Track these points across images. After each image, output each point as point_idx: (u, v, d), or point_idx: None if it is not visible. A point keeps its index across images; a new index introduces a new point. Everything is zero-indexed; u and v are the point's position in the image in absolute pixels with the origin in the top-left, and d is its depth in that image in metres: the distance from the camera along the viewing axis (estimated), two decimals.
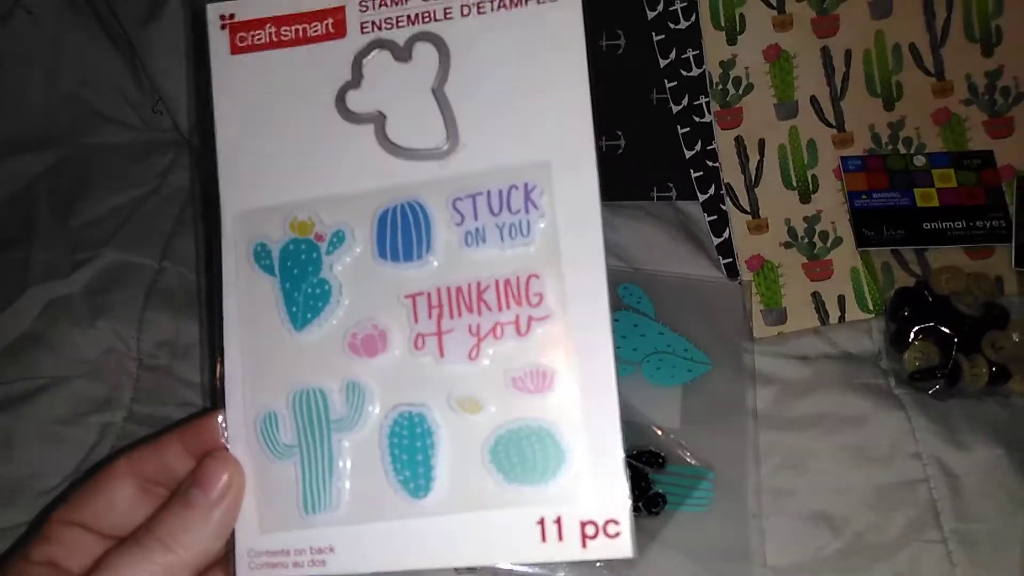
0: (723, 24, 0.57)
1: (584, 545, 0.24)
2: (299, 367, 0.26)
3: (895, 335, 0.52)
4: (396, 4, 0.27)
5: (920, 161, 0.56)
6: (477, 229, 0.26)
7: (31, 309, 0.53)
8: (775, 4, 0.57)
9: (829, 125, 0.57)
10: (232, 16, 0.27)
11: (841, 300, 0.55)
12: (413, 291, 0.26)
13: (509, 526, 0.25)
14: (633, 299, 0.55)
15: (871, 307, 0.54)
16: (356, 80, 0.27)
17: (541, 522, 0.24)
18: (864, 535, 0.46)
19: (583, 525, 0.24)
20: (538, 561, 0.26)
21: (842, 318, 0.54)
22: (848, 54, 0.57)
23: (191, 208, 0.59)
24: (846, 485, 0.47)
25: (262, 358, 0.26)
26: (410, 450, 0.25)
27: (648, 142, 0.60)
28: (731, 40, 0.57)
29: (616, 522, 0.24)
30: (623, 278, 0.56)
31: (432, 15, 0.27)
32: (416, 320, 0.26)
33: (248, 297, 0.26)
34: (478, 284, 0.25)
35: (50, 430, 0.49)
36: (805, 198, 0.57)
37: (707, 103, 0.57)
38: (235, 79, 0.28)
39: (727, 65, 0.57)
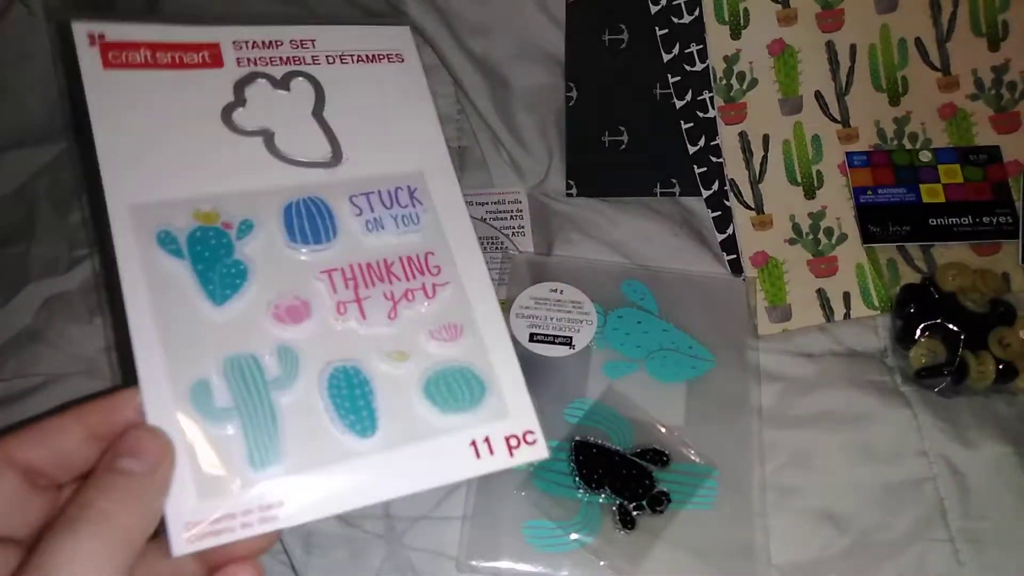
0: (727, 19, 0.56)
1: (511, 455, 0.29)
2: (225, 338, 0.27)
3: (901, 332, 0.51)
4: (268, 47, 0.30)
5: (926, 156, 0.56)
6: (375, 219, 0.30)
7: (30, 306, 0.53)
8: None
9: (834, 120, 0.57)
10: (102, 36, 0.29)
11: (846, 297, 0.54)
12: (327, 267, 0.29)
13: (447, 451, 0.28)
14: (637, 296, 0.54)
15: (877, 304, 0.54)
16: (240, 101, 0.29)
17: (473, 443, 0.28)
18: (870, 533, 0.45)
19: (507, 439, 0.29)
20: (474, 474, 0.27)
21: (847, 315, 0.54)
22: (853, 49, 0.56)
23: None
24: (852, 483, 0.47)
25: (182, 333, 0.27)
26: (351, 398, 0.28)
27: (651, 138, 0.59)
28: (735, 35, 0.56)
29: (531, 432, 0.29)
30: (627, 274, 0.55)
31: (302, 60, 0.31)
32: (335, 291, 0.29)
33: (156, 279, 0.27)
34: (385, 260, 0.30)
35: None
36: (810, 194, 0.56)
37: (711, 98, 0.57)
38: (110, 92, 0.28)
39: (731, 60, 0.56)
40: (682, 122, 0.58)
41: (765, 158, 0.57)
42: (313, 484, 0.26)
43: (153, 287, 0.27)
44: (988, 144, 0.56)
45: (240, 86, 0.30)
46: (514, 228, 0.58)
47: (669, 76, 0.58)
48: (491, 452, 0.28)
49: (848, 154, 0.56)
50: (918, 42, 0.56)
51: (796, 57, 0.56)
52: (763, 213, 0.56)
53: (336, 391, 0.28)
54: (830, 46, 0.56)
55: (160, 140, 0.28)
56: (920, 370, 0.50)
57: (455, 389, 0.29)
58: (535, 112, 0.60)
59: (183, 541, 0.24)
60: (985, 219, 0.54)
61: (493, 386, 0.29)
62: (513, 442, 0.29)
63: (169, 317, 0.27)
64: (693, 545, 0.45)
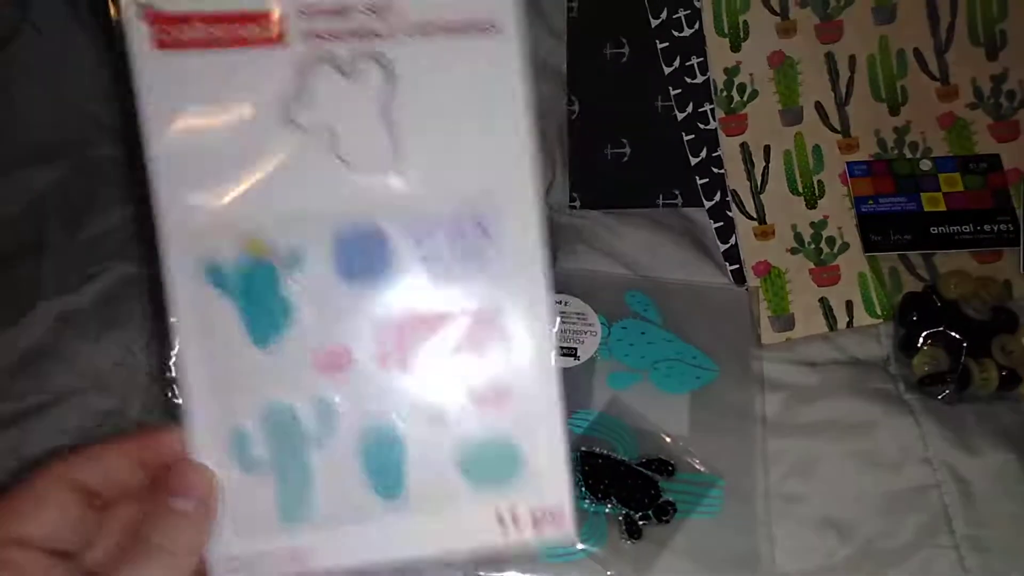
0: (727, 31, 0.57)
1: (536, 532, 0.27)
2: (265, 383, 0.27)
3: (904, 340, 0.52)
4: (337, 15, 0.26)
5: (926, 165, 0.56)
6: (435, 255, 0.27)
7: (42, 323, 0.53)
8: (779, 10, 0.57)
9: (834, 130, 0.57)
10: (150, 7, 0.25)
11: (849, 305, 0.55)
12: (375, 311, 0.27)
13: (473, 519, 0.27)
14: (640, 307, 0.55)
15: (879, 312, 0.54)
16: (301, 93, 0.26)
17: (500, 516, 0.27)
18: (874, 541, 0.45)
19: (534, 514, 0.27)
20: (498, 546, 0.28)
21: (850, 323, 0.54)
22: (852, 59, 0.57)
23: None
24: (856, 491, 0.47)
25: (226, 375, 0.26)
26: (381, 458, 0.27)
27: (653, 149, 0.60)
28: (735, 47, 0.57)
29: (562, 511, 0.28)
30: (630, 285, 0.56)
31: (376, 33, 0.26)
32: (379, 339, 0.27)
33: (203, 314, 0.26)
34: (436, 309, 0.27)
35: (61, 443, 0.49)
36: (811, 204, 0.57)
37: (712, 110, 0.58)
38: (162, 78, 0.25)
39: (731, 72, 0.57)
40: (684, 134, 0.58)
41: (766, 168, 0.57)
42: (341, 538, 0.27)
43: (201, 323, 0.26)
44: (988, 152, 0.56)
45: (303, 73, 0.26)
46: None
47: (670, 88, 0.58)
48: (516, 526, 0.27)
49: (849, 164, 0.56)
50: (917, 52, 0.57)
51: (796, 68, 0.57)
52: (765, 223, 0.57)
53: (368, 450, 0.27)
54: (830, 57, 0.57)
55: (213, 142, 0.26)
56: (923, 378, 0.50)
57: (490, 460, 0.27)
58: (538, 125, 0.61)
59: (224, 572, 0.26)
60: (986, 227, 0.54)
61: (530, 460, 0.27)
62: (539, 515, 0.28)
63: (215, 357, 0.26)
64: (699, 554, 0.45)
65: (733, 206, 0.57)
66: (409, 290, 0.27)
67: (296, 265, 0.26)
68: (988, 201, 0.55)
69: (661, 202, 0.60)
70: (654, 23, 0.58)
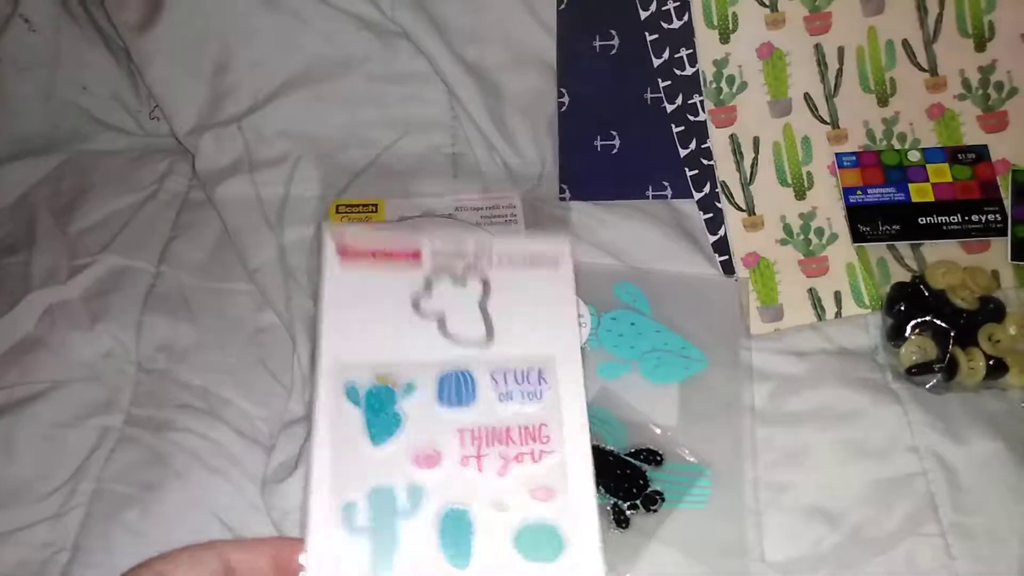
0: (716, 23, 0.57)
1: None
2: (375, 470, 0.35)
3: (891, 330, 0.52)
4: (455, 256, 0.37)
5: (915, 156, 0.56)
6: (508, 392, 0.36)
7: (31, 314, 0.54)
8: (767, 2, 0.57)
9: (823, 122, 0.57)
10: (342, 238, 0.37)
11: (837, 296, 0.55)
12: (461, 427, 0.35)
13: None
14: (630, 298, 0.55)
15: (868, 302, 0.54)
16: (427, 291, 0.36)
17: None
18: (862, 529, 0.46)
19: None
20: None
21: (839, 313, 0.55)
22: (841, 51, 0.57)
23: (187, 211, 0.60)
24: (843, 479, 0.47)
25: (346, 464, 0.34)
26: (455, 535, 0.34)
27: (643, 141, 0.60)
28: (724, 39, 0.57)
29: None
30: (620, 277, 0.56)
31: (479, 263, 0.37)
32: (462, 446, 0.35)
33: (338, 421, 0.35)
34: (507, 427, 0.35)
35: (51, 433, 0.49)
36: (800, 195, 0.57)
37: (701, 102, 0.58)
38: (341, 282, 0.37)
39: (720, 64, 0.57)
40: (673, 126, 0.58)
41: (756, 160, 0.57)
42: None
43: (334, 425, 0.35)
44: (976, 143, 0.56)
45: (429, 280, 0.37)
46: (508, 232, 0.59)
47: (659, 80, 0.58)
48: None
49: (837, 155, 0.56)
50: (905, 44, 0.57)
51: (785, 60, 0.57)
52: (754, 214, 0.57)
53: (445, 527, 0.34)
54: (818, 49, 0.57)
55: (365, 317, 0.37)
56: (911, 367, 0.50)
57: (540, 543, 0.34)
58: (528, 117, 0.61)
59: None
60: (974, 217, 0.54)
61: (571, 544, 0.34)
62: None
63: (340, 449, 0.35)
64: (687, 543, 0.45)
65: (722, 197, 0.57)
66: (488, 414, 0.35)
67: (409, 392, 0.35)
68: (976, 191, 0.55)
69: (651, 193, 0.60)
70: (643, 15, 0.58)
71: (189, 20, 0.59)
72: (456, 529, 0.35)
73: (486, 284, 0.38)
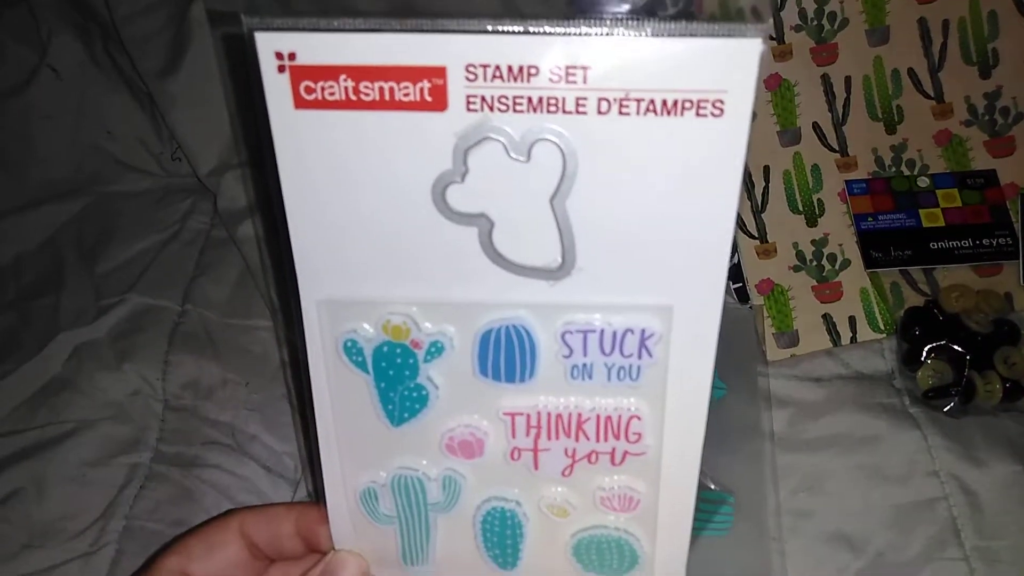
0: None
1: None
2: (397, 455, 0.27)
3: (907, 354, 0.52)
4: (515, 80, 0.21)
5: (924, 182, 0.57)
6: (584, 365, 0.24)
7: (60, 354, 0.55)
8: (774, 35, 0.58)
9: (832, 150, 0.58)
10: (293, 56, 0.22)
11: (852, 321, 0.55)
12: (512, 409, 0.25)
13: None
14: None
15: (882, 327, 0.55)
16: (459, 173, 0.22)
17: None
18: (885, 554, 0.46)
19: None
20: None
21: (854, 339, 0.55)
22: (848, 80, 0.58)
23: (210, 250, 0.61)
24: (864, 505, 0.47)
25: (359, 445, 0.27)
26: (500, 535, 0.27)
27: None
28: None
29: None
30: None
31: (560, 104, 0.21)
32: (513, 436, 0.26)
33: (339, 388, 0.26)
34: (579, 415, 0.25)
35: (80, 472, 0.50)
36: (812, 222, 0.58)
37: None
38: (302, 141, 0.22)
39: None
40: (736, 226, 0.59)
41: (767, 188, 0.58)
42: None
43: (336, 395, 0.26)
44: (984, 168, 0.57)
45: (464, 148, 0.22)
46: None
47: None
48: None
49: (847, 182, 0.57)
50: (911, 72, 0.58)
51: (793, 90, 0.58)
52: (767, 242, 0.58)
53: (488, 527, 0.27)
54: (825, 79, 0.58)
55: (359, 218, 0.23)
56: (928, 391, 0.51)
57: (605, 556, 0.27)
58: None
59: None
60: (985, 241, 0.55)
61: (648, 560, 0.27)
62: None
63: (348, 428, 0.26)
64: (711, 572, 0.46)
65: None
66: (550, 395, 0.25)
67: (437, 355, 0.25)
68: (986, 216, 0.56)
69: None
70: None
71: (210, 65, 0.61)
72: (502, 530, 0.27)
73: (569, 155, 0.22)
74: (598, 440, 0.25)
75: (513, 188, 0.22)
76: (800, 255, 0.57)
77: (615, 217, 0.22)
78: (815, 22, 0.58)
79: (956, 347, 0.51)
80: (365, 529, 0.28)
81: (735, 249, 0.58)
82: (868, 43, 0.58)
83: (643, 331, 0.23)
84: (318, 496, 0.29)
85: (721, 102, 0.21)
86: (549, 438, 0.25)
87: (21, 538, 0.47)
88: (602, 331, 0.23)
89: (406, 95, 0.22)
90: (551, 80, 0.21)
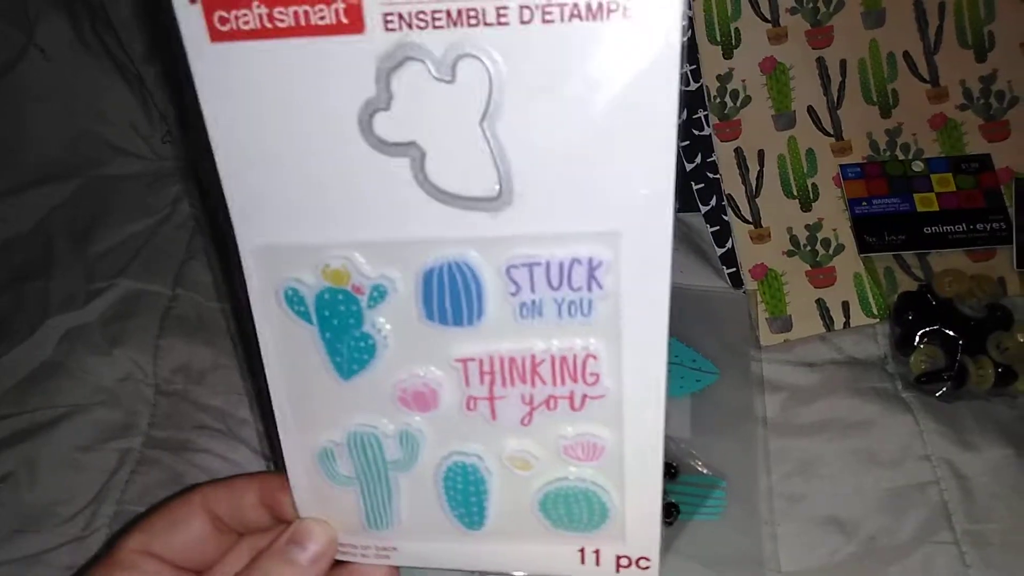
0: (719, 38, 0.58)
1: (617, 571, 0.27)
2: (350, 411, 0.26)
3: (900, 339, 0.52)
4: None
5: (919, 166, 0.57)
6: (533, 302, 0.23)
7: (51, 339, 0.54)
8: (770, 17, 0.58)
9: (827, 134, 0.58)
10: None
11: (845, 306, 0.55)
12: (463, 356, 0.25)
13: (553, 553, 0.27)
14: None
15: (875, 312, 0.55)
16: (384, 99, 0.21)
17: (581, 551, 0.27)
18: (877, 538, 0.46)
19: (618, 558, 0.27)
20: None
21: (847, 324, 0.55)
22: (843, 64, 0.58)
23: (200, 236, 0.60)
24: (857, 489, 0.48)
25: (310, 401, 0.26)
26: (464, 492, 0.27)
27: None
28: (727, 54, 0.58)
29: (647, 559, 0.27)
30: None
31: (480, 15, 0.20)
32: (467, 384, 0.25)
33: (285, 342, 0.25)
34: (532, 357, 0.24)
35: (72, 457, 0.50)
36: (806, 206, 0.57)
37: (706, 116, 0.58)
38: (223, 77, 0.22)
39: (724, 78, 0.58)
40: (678, 140, 0.59)
41: (761, 173, 0.58)
42: (423, 547, 0.28)
43: (283, 349, 0.25)
44: (979, 152, 0.57)
45: (386, 73, 0.21)
46: None
47: None
48: (597, 564, 0.27)
49: (842, 166, 0.57)
50: (906, 55, 0.58)
51: (788, 74, 0.58)
52: (761, 226, 0.57)
53: (451, 483, 0.27)
54: (821, 62, 0.58)
55: (285, 152, 0.22)
56: (920, 376, 0.51)
57: (573, 509, 0.26)
58: None
59: None
60: (979, 226, 0.55)
61: (618, 513, 0.26)
62: (624, 562, 0.27)
63: (299, 383, 0.26)
64: (703, 555, 0.46)
65: (729, 210, 0.58)
66: (502, 337, 0.24)
67: (380, 299, 0.24)
68: (980, 200, 0.56)
69: None
70: None
71: None
72: (464, 487, 0.26)
73: (496, 72, 0.21)
74: (555, 384, 0.24)
75: (441, 112, 0.21)
76: (794, 240, 0.57)
77: (550, 137, 0.21)
78: (811, 5, 0.57)
79: (949, 332, 0.51)
80: (326, 493, 0.27)
81: (728, 233, 0.58)
82: (864, 26, 0.57)
83: (590, 260, 0.22)
84: (277, 464, 0.28)
85: (640, 7, 0.20)
86: (504, 385, 0.24)
87: (12, 523, 0.47)
88: (548, 263, 0.22)
89: (321, 18, 0.21)
90: None
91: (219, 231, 0.24)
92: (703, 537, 0.46)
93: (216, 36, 0.21)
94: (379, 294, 0.24)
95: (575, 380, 0.24)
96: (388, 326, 0.24)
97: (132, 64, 0.61)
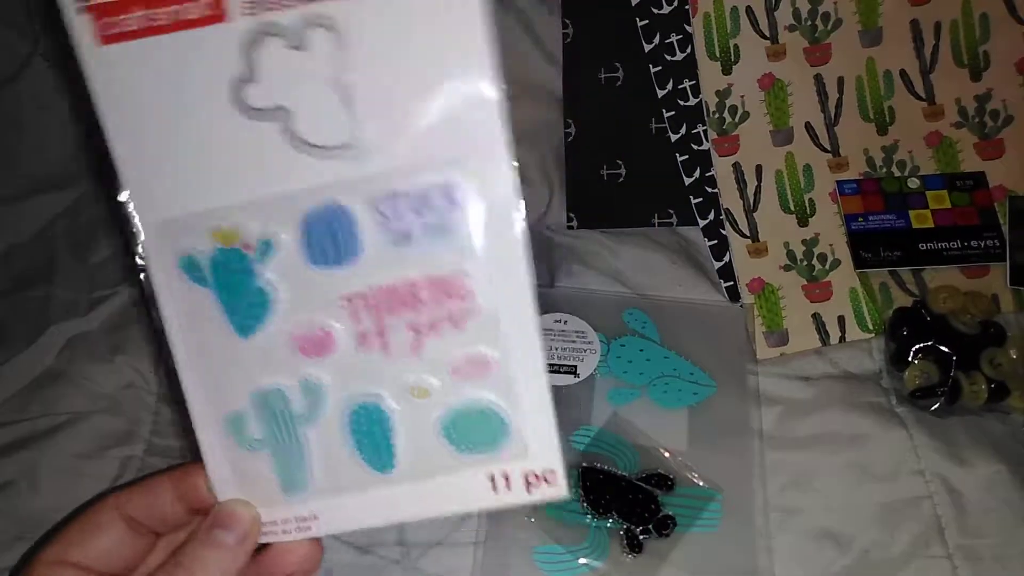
0: (718, 55, 0.59)
1: (528, 492, 0.28)
2: (253, 370, 0.27)
3: (895, 354, 0.53)
4: None
5: (914, 183, 0.58)
6: (403, 230, 0.26)
7: (53, 346, 0.55)
8: (768, 34, 0.58)
9: (824, 150, 0.59)
10: None
11: (841, 321, 0.56)
12: (349, 293, 0.27)
13: (465, 484, 0.28)
14: (638, 324, 0.56)
15: (871, 327, 0.56)
16: (250, 73, 0.25)
17: (491, 478, 0.28)
18: (871, 552, 0.46)
19: (526, 476, 0.28)
20: (491, 507, 0.29)
21: (843, 338, 0.56)
22: (841, 81, 0.58)
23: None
24: (851, 503, 0.48)
25: (214, 365, 0.27)
26: (370, 435, 0.28)
27: (648, 170, 0.61)
28: (726, 70, 0.59)
29: (553, 471, 0.28)
30: (628, 304, 0.57)
31: None
32: (358, 320, 0.27)
33: (186, 308, 0.26)
34: (412, 284, 0.26)
35: (72, 465, 0.50)
36: (803, 221, 0.58)
37: (705, 131, 0.59)
38: (112, 75, 0.25)
39: (723, 94, 0.59)
40: (677, 155, 0.60)
41: (759, 188, 0.59)
42: (341, 506, 0.29)
43: (184, 317, 0.27)
44: (974, 170, 0.58)
45: (249, 49, 0.25)
46: None
47: (664, 111, 0.60)
48: (508, 487, 0.28)
49: (839, 182, 0.58)
50: (903, 74, 0.58)
51: (786, 90, 0.59)
52: (758, 241, 0.58)
53: (357, 427, 0.28)
54: (818, 79, 0.59)
55: (173, 136, 0.25)
56: (914, 391, 0.51)
57: (474, 429, 0.28)
58: (535, 148, 0.63)
59: None
60: (973, 243, 0.56)
61: (516, 426, 0.27)
62: (532, 479, 0.28)
63: (202, 349, 0.27)
64: (699, 567, 0.46)
65: (727, 224, 0.58)
66: (381, 269, 0.26)
67: (268, 253, 0.26)
68: (975, 217, 0.56)
69: (656, 221, 0.62)
70: (647, 47, 0.59)
71: None
72: (370, 428, 0.27)
73: (338, 36, 0.25)
74: (435, 306, 0.26)
75: (298, 76, 0.25)
76: (791, 254, 0.58)
77: (391, 83, 0.25)
78: (809, 22, 0.58)
79: (943, 348, 0.51)
80: (241, 464, 0.28)
81: (726, 248, 0.58)
82: (861, 44, 0.58)
83: (445, 183, 0.25)
84: (191, 450, 0.29)
85: None
86: (390, 314, 0.26)
87: (13, 530, 0.47)
88: (408, 193, 0.25)
89: (192, 13, 0.25)
90: None
91: (120, 222, 0.26)
92: (699, 549, 0.47)
93: (106, 40, 0.25)
94: (266, 247, 0.26)
95: (451, 299, 0.26)
96: (278, 277, 0.26)
97: None
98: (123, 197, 0.26)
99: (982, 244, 0.56)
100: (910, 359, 0.52)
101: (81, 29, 0.25)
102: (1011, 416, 0.51)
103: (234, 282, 0.27)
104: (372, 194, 0.26)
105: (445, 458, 0.28)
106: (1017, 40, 0.58)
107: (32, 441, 0.51)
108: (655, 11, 0.59)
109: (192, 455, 0.29)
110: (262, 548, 0.30)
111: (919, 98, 0.58)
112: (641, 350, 0.55)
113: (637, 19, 0.59)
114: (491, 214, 0.26)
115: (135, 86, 0.25)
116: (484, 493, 0.28)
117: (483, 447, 0.28)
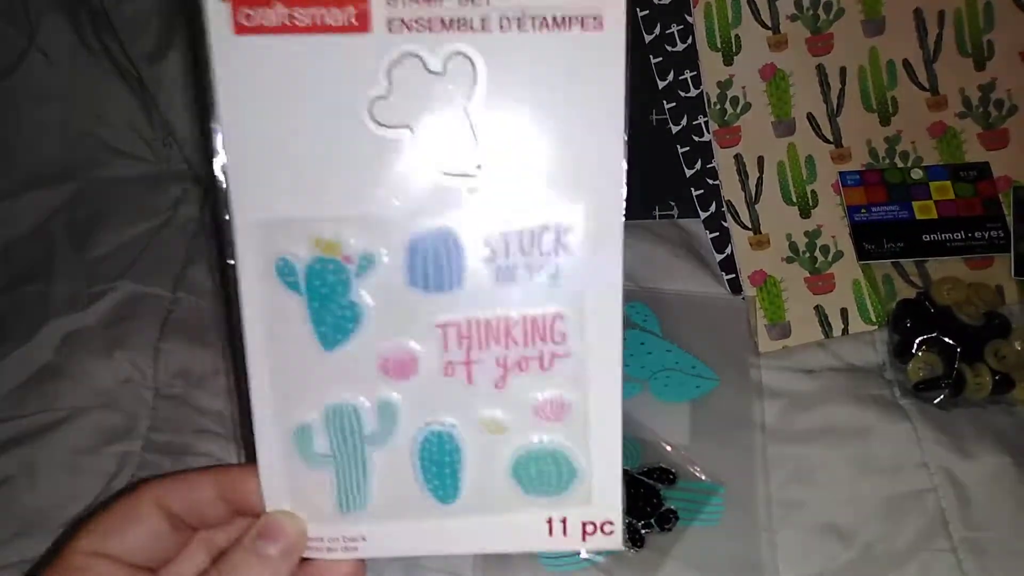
0: (719, 45, 0.58)
1: (584, 539, 0.28)
2: (330, 384, 0.27)
3: (898, 346, 0.53)
4: (428, 3, 0.24)
5: (917, 174, 0.57)
6: (508, 266, 0.26)
7: (51, 342, 0.54)
8: (770, 24, 0.58)
9: (827, 141, 0.58)
10: None
11: (844, 313, 0.56)
12: (443, 321, 0.27)
13: (522, 524, 0.28)
14: (640, 317, 0.56)
15: (874, 319, 0.55)
16: (384, 88, 0.25)
17: (549, 521, 0.28)
18: (874, 545, 0.46)
19: (584, 524, 0.28)
20: (542, 550, 0.28)
21: (845, 331, 0.55)
22: (843, 71, 0.58)
23: (202, 236, 0.60)
24: (855, 496, 0.48)
25: (291, 374, 0.27)
26: (439, 464, 0.28)
27: (649, 162, 0.61)
28: (727, 60, 0.58)
29: (611, 523, 0.28)
30: (630, 297, 0.57)
31: (469, 23, 0.25)
32: (446, 349, 0.27)
33: (272, 312, 0.26)
34: (507, 320, 0.26)
35: (71, 460, 0.50)
36: (805, 213, 0.58)
37: (706, 122, 0.59)
38: (241, 64, 0.25)
39: (724, 85, 0.58)
40: (678, 146, 0.59)
41: (760, 179, 0.58)
42: (392, 531, 0.28)
43: (269, 321, 0.26)
44: (978, 161, 0.57)
45: (387, 66, 0.25)
46: None
47: (664, 102, 0.59)
48: (564, 533, 0.28)
49: (841, 173, 0.57)
50: (906, 63, 0.58)
51: (788, 80, 0.58)
52: (760, 233, 0.58)
53: (426, 454, 0.28)
54: (821, 69, 0.58)
55: (290, 136, 0.25)
56: (918, 383, 0.51)
57: (544, 472, 0.28)
58: None
59: None
60: (977, 234, 0.55)
61: (585, 473, 0.28)
62: (589, 528, 0.28)
63: (281, 355, 0.27)
64: (701, 562, 0.46)
65: (728, 216, 0.58)
66: (480, 302, 0.26)
67: (368, 268, 0.26)
68: (978, 208, 0.56)
69: (657, 213, 0.61)
70: (647, 38, 0.59)
71: None
72: (440, 457, 0.27)
73: (477, 68, 0.25)
74: (526, 344, 0.27)
75: (432, 99, 0.25)
76: (793, 246, 0.57)
77: (522, 122, 0.25)
78: (811, 12, 0.57)
79: (947, 339, 0.51)
80: (299, 478, 0.27)
81: (728, 240, 0.58)
82: (864, 34, 0.58)
83: (557, 226, 0.25)
84: (248, 452, 0.28)
85: (600, 17, 0.25)
86: (480, 348, 0.27)
87: (12, 526, 0.47)
88: (520, 231, 0.26)
89: (335, 20, 0.24)
90: (459, 2, 0.25)
91: (216, 215, 0.26)
92: (701, 543, 0.46)
93: (240, 30, 0.24)
94: (367, 263, 0.26)
95: (544, 340, 0.27)
96: (374, 295, 0.26)
97: (133, 67, 0.61)
98: (222, 185, 0.25)
99: (986, 235, 0.55)
100: (914, 351, 0.52)
101: (218, 14, 0.24)
102: (1015, 408, 0.51)
103: (327, 293, 0.26)
104: (484, 227, 0.26)
105: (509, 497, 0.28)
106: (1021, 29, 0.57)
107: (30, 437, 0.50)
108: (656, 1, 0.58)
109: (246, 458, 0.28)
110: (303, 562, 0.29)
111: (922, 88, 0.58)
112: (642, 343, 0.54)
113: (637, 9, 0.58)
114: (595, 262, 0.26)
115: (263, 80, 0.25)
116: (540, 536, 0.28)
117: (549, 490, 0.28)
